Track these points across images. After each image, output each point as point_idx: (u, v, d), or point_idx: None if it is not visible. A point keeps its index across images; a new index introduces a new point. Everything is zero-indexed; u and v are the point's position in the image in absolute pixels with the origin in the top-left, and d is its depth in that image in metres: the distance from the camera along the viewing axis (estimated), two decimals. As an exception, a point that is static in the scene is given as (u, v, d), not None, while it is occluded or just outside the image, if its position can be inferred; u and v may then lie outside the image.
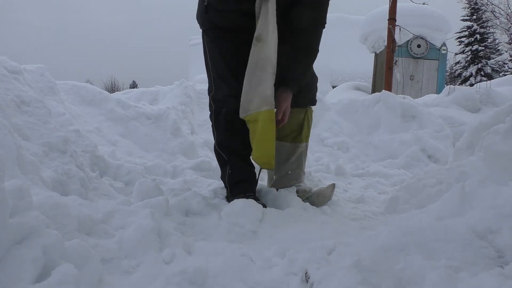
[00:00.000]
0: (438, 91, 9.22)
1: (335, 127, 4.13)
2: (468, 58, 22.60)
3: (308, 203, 1.90)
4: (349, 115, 4.35)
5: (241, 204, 1.65)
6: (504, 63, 22.12)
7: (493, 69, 21.72)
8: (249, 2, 1.79)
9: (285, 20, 1.86)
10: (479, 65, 21.85)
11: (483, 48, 22.41)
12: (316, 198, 2.00)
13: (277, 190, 1.97)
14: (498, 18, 21.95)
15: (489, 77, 19.39)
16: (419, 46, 10.28)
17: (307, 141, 2.18)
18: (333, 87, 12.89)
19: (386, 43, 7.74)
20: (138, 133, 3.30)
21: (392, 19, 7.24)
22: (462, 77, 22.37)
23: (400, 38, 8.13)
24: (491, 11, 21.84)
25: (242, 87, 1.81)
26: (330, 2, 1.88)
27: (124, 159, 2.75)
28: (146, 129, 3.34)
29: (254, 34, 1.78)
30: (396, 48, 7.57)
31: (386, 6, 7.65)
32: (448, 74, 22.16)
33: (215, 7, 1.88)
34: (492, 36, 23.48)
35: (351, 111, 4.37)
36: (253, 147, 1.85)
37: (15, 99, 2.00)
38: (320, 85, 2.18)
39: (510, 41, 21.83)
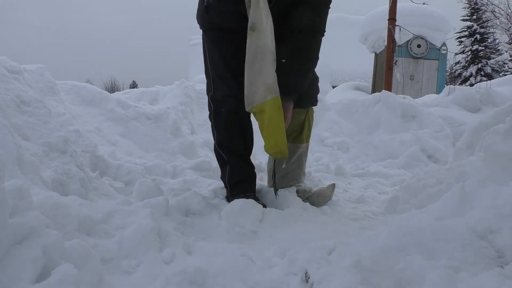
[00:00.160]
0: (438, 91, 9.23)
1: (335, 127, 4.13)
2: (468, 58, 22.60)
3: (308, 203, 1.90)
4: (349, 115, 4.35)
5: (241, 204, 1.65)
6: (504, 63, 22.12)
7: (493, 69, 21.72)
8: (245, 4, 1.78)
9: (284, 23, 1.83)
10: (479, 65, 21.85)
11: (483, 48, 22.41)
12: (316, 198, 2.00)
13: (277, 190, 1.97)
14: (498, 18, 21.97)
15: (489, 77, 19.38)
16: (419, 46, 10.28)
17: (307, 141, 2.18)
18: (333, 87, 12.89)
19: (386, 43, 7.75)
20: (138, 133, 3.30)
21: (392, 19, 7.24)
22: (462, 77, 22.37)
23: (400, 38, 8.13)
24: (491, 11, 21.85)
25: (244, 84, 1.78)
26: (330, 7, 1.86)
27: (124, 159, 2.75)
28: (146, 129, 3.34)
29: (248, 24, 1.74)
30: (396, 48, 7.57)
31: (386, 6, 7.65)
32: (448, 74, 22.16)
33: (215, 8, 1.87)
34: (492, 36, 23.48)
35: (351, 111, 4.37)
36: (264, 138, 1.80)
37: (15, 99, 2.00)
38: (320, 85, 2.17)
39: (510, 41, 21.84)
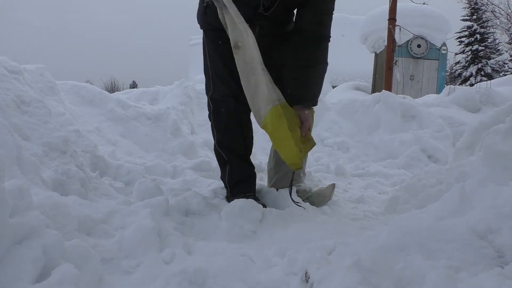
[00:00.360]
0: (438, 91, 9.23)
1: (335, 127, 4.14)
2: (468, 58, 22.59)
3: (308, 203, 1.90)
4: (349, 115, 4.35)
5: (241, 204, 1.65)
6: (504, 63, 22.11)
7: (493, 69, 21.71)
8: (243, 7, 1.79)
9: (287, 31, 1.85)
10: (479, 65, 21.85)
11: (483, 48, 22.40)
12: (316, 198, 2.00)
13: (277, 190, 1.97)
14: (498, 18, 21.97)
15: (489, 77, 19.37)
16: (419, 46, 10.28)
17: (307, 141, 2.17)
18: (333, 87, 12.89)
19: (386, 43, 7.74)
20: (138, 133, 3.30)
21: (392, 19, 7.23)
22: (462, 77, 22.36)
23: (400, 38, 8.12)
24: (491, 11, 21.85)
25: (244, 93, 1.81)
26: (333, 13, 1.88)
27: (124, 159, 2.75)
28: (146, 129, 3.34)
29: (231, 44, 1.77)
30: (396, 48, 7.57)
31: (386, 6, 7.65)
32: (448, 74, 22.16)
33: (213, 9, 1.88)
34: (492, 36, 23.47)
35: (351, 111, 4.38)
36: (277, 150, 1.83)
37: (15, 99, 2.00)
38: (320, 85, 2.17)
39: (510, 41, 21.84)
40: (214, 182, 2.28)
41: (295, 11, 1.95)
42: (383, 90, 4.67)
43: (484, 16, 22.66)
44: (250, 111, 1.90)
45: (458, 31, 22.49)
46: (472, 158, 1.77)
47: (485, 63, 21.81)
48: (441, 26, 10.40)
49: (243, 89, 1.80)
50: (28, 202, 1.13)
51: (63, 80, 3.50)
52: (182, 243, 1.39)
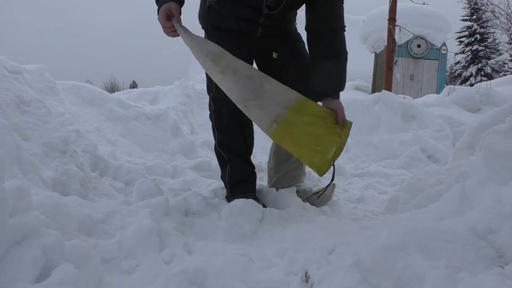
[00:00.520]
0: (438, 91, 9.23)
1: (335, 127, 4.12)
2: (468, 58, 22.59)
3: (308, 203, 1.90)
4: (349, 115, 4.31)
5: (241, 204, 1.65)
6: (504, 63, 22.11)
7: (493, 69, 21.70)
8: (245, 8, 1.79)
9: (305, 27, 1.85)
10: (479, 65, 21.84)
11: (483, 48, 22.40)
12: (316, 198, 2.00)
13: (277, 190, 1.97)
14: (498, 18, 21.97)
15: (489, 77, 19.37)
16: (419, 46, 10.29)
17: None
18: (333, 87, 12.85)
19: (386, 43, 7.75)
20: (138, 133, 3.30)
21: (392, 19, 7.24)
22: (462, 77, 22.35)
23: (400, 38, 8.13)
24: (491, 11, 21.85)
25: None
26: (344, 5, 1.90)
27: (124, 159, 2.75)
28: (146, 129, 3.34)
29: (217, 69, 1.69)
30: (396, 48, 7.58)
31: (386, 6, 7.66)
32: (448, 74, 22.15)
33: (215, 9, 1.88)
34: (492, 36, 23.47)
35: (351, 111, 4.37)
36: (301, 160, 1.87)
37: (15, 99, 2.00)
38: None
39: (510, 41, 21.84)
40: (214, 182, 2.28)
41: (295, 11, 1.95)
42: (383, 90, 4.67)
43: (484, 16, 22.66)
44: None
45: (458, 31, 22.49)
46: (472, 158, 1.77)
47: (485, 63, 21.81)
48: (441, 26, 10.41)
49: (245, 113, 1.76)
50: (28, 202, 1.13)
51: (63, 80, 3.50)
52: (182, 243, 1.38)
